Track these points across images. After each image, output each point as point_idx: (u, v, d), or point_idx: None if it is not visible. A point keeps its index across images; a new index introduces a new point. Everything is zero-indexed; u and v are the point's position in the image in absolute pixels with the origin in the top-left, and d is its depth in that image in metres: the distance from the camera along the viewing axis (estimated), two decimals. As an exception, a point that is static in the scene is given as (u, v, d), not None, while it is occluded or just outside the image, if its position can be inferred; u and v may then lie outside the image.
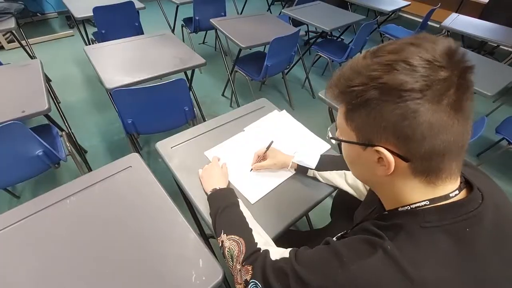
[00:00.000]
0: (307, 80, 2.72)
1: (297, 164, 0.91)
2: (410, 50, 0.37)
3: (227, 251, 0.64)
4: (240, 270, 0.59)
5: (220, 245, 0.68)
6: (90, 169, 1.70)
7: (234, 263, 0.61)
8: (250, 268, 0.57)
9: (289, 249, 0.54)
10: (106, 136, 2.05)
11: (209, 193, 0.82)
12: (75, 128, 2.02)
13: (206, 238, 1.16)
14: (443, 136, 0.37)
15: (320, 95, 1.42)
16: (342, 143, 0.48)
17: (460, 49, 0.37)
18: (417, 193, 0.42)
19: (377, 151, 0.40)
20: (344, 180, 0.86)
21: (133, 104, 1.33)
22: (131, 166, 0.93)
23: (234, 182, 0.91)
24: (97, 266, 0.69)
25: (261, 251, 0.59)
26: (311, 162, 0.87)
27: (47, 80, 2.44)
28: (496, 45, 3.15)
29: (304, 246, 0.53)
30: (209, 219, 0.80)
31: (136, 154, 0.98)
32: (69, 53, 2.99)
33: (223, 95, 2.59)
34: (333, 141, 0.51)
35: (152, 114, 1.41)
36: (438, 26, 2.99)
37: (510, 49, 3.38)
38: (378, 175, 0.43)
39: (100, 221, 0.78)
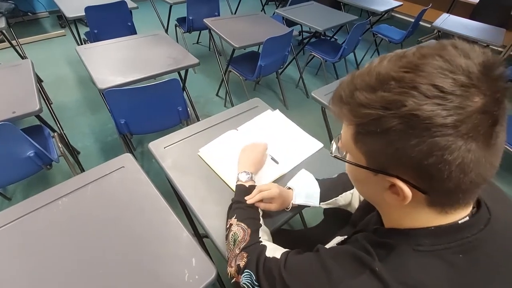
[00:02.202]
0: (301, 79, 2.73)
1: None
2: (439, 66, 0.31)
3: (232, 235, 0.67)
4: (237, 255, 0.61)
5: (228, 226, 0.71)
6: (83, 170, 1.69)
7: (234, 247, 0.64)
8: (245, 255, 0.59)
9: (283, 250, 0.54)
10: (99, 137, 2.04)
11: (238, 174, 0.83)
12: (67, 129, 2.00)
13: (200, 237, 1.16)
14: (473, 174, 0.32)
15: (313, 94, 1.43)
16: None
17: (497, 65, 0.31)
18: (425, 220, 0.39)
19: (390, 181, 0.36)
20: (347, 201, 0.82)
21: (126, 104, 1.33)
22: (123, 167, 0.93)
23: (226, 179, 0.91)
24: (90, 267, 0.68)
25: (261, 244, 0.61)
26: (313, 200, 0.80)
27: (39, 80, 2.41)
28: (485, 45, 3.21)
29: (297, 249, 0.53)
30: (203, 219, 0.80)
31: (129, 155, 0.97)
32: (61, 53, 2.96)
33: (217, 95, 2.59)
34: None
35: (145, 114, 1.41)
36: (429, 26, 3.03)
37: (499, 49, 3.44)
38: (387, 201, 0.39)
39: (92, 222, 0.77)
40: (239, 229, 0.67)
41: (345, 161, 0.43)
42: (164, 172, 0.94)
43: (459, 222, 0.38)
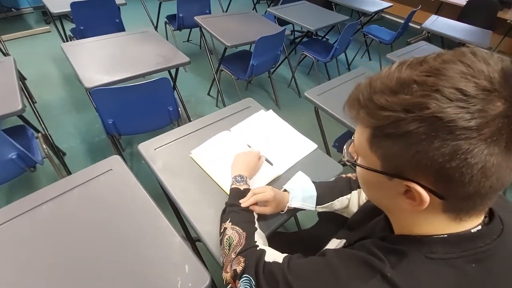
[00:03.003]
0: (293, 79, 2.73)
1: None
2: (461, 71, 0.31)
3: (227, 239, 0.65)
4: (233, 260, 0.59)
5: (222, 230, 0.69)
6: (69, 172, 1.63)
7: (230, 252, 0.62)
8: (242, 260, 0.57)
9: (283, 255, 0.53)
10: (86, 137, 1.97)
11: (232, 178, 0.81)
12: (52, 129, 1.93)
13: (192, 241, 1.13)
14: (493, 179, 0.32)
15: (306, 95, 1.42)
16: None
17: None
18: (438, 227, 0.38)
19: (407, 185, 0.35)
20: (343, 205, 0.80)
21: (114, 104, 1.28)
22: (111, 169, 0.89)
23: (219, 181, 0.89)
24: (77, 275, 0.65)
25: (258, 248, 0.59)
26: (309, 203, 0.79)
27: (22, 78, 2.32)
28: (474, 46, 3.28)
29: (292, 251, 0.52)
30: (195, 223, 0.78)
31: (117, 156, 0.94)
32: (45, 50, 2.86)
33: (208, 94, 2.55)
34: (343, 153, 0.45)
35: (134, 114, 1.36)
36: (418, 27, 3.07)
37: (485, 51, 3.52)
38: (402, 207, 0.39)
39: (79, 227, 0.74)
40: (234, 233, 0.65)
41: (358, 166, 0.42)
42: (154, 174, 0.91)
43: (472, 231, 0.38)
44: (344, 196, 0.80)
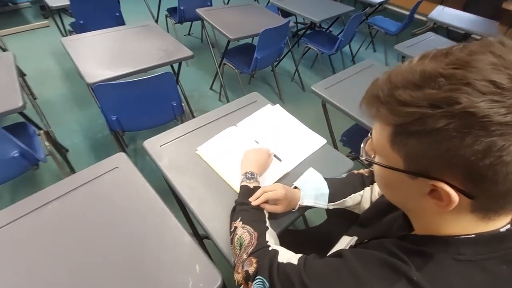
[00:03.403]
0: (296, 72, 2.68)
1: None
2: (492, 62, 0.29)
3: (238, 238, 0.63)
4: (244, 260, 0.58)
5: (232, 229, 0.67)
6: (72, 170, 1.61)
7: (241, 252, 0.60)
8: (254, 261, 0.56)
9: (298, 256, 0.51)
10: (88, 134, 1.95)
11: (242, 175, 0.79)
12: (54, 126, 1.91)
13: (200, 239, 1.12)
14: None
15: (313, 88, 1.39)
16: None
17: None
18: (465, 226, 0.36)
19: (434, 185, 0.33)
20: (356, 202, 0.78)
21: (118, 99, 1.25)
22: (117, 167, 0.87)
23: (227, 178, 0.86)
24: (84, 277, 0.63)
25: (271, 249, 0.58)
26: (322, 201, 0.76)
27: (22, 74, 2.28)
28: (480, 37, 3.22)
29: (313, 254, 0.50)
30: (204, 221, 0.76)
31: (123, 154, 0.91)
32: (44, 45, 2.81)
33: (211, 88, 2.52)
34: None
35: (138, 110, 1.34)
36: (423, 18, 3.01)
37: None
38: (425, 207, 0.36)
39: (85, 227, 0.72)
40: (244, 232, 0.64)
41: (378, 165, 0.40)
42: (161, 172, 0.88)
43: (501, 230, 0.36)
44: (357, 193, 0.78)
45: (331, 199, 0.77)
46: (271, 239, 0.64)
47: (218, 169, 0.89)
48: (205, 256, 0.69)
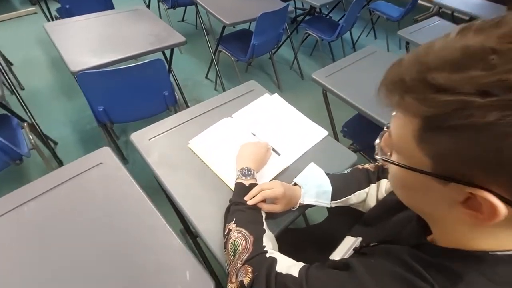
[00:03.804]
0: (295, 60, 2.58)
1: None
2: None
3: (232, 243, 0.57)
4: (239, 269, 0.52)
5: (226, 232, 0.61)
6: (61, 163, 1.54)
7: (235, 259, 0.55)
8: (250, 270, 0.50)
9: (299, 265, 0.45)
10: (77, 126, 1.87)
11: (238, 171, 0.72)
12: (42, 118, 1.81)
13: (193, 237, 1.06)
14: None
15: (314, 76, 1.30)
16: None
17: None
18: (503, 241, 0.30)
19: (472, 193, 0.27)
20: (360, 199, 0.71)
21: (104, 89, 1.17)
22: (102, 163, 0.80)
23: (222, 174, 0.80)
24: (64, 282, 0.57)
25: (268, 256, 0.52)
26: (324, 199, 0.69)
27: (9, 63, 2.18)
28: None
29: (316, 264, 0.44)
30: (196, 223, 0.70)
31: (107, 148, 0.84)
32: (32, 33, 2.68)
33: (206, 77, 2.42)
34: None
35: (126, 100, 1.25)
36: (427, 4, 2.89)
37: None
38: (455, 216, 0.31)
39: (65, 230, 0.66)
40: (239, 236, 0.58)
41: (397, 165, 0.33)
42: (150, 168, 0.81)
43: None
44: (362, 190, 0.71)
45: (334, 197, 0.70)
46: (269, 243, 0.59)
47: (211, 165, 0.82)
48: (196, 262, 0.63)
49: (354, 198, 0.71)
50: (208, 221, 0.70)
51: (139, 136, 0.88)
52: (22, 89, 2.08)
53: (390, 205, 0.56)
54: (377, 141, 0.37)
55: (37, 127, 1.42)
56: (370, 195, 0.72)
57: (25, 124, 1.31)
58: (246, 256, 0.54)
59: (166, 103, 1.37)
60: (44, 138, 1.45)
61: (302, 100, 2.32)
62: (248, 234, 0.58)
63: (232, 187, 0.77)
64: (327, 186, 0.70)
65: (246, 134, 0.92)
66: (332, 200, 0.70)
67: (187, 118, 0.96)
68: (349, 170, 0.76)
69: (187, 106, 1.69)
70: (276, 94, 1.09)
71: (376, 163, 0.76)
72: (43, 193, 0.71)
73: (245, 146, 0.81)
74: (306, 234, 0.89)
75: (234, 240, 0.57)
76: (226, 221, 0.64)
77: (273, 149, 0.88)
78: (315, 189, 0.71)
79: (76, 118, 1.91)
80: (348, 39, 3.11)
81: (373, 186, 0.71)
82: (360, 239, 0.57)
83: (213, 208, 0.73)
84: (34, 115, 1.46)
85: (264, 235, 0.60)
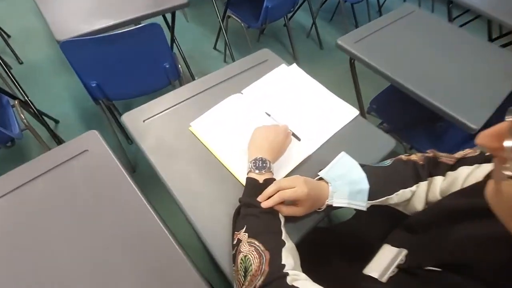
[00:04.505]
0: (313, 27, 2.31)
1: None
2: None
3: (242, 260, 0.46)
4: None
5: (235, 243, 0.49)
6: (61, 143, 1.44)
7: (246, 282, 0.44)
8: None
9: None
10: (79, 102, 1.75)
11: (250, 162, 0.58)
12: (41, 94, 1.72)
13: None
14: None
15: (339, 42, 1.09)
16: None
17: None
18: None
19: None
20: (403, 199, 0.55)
21: (94, 60, 1.01)
22: (87, 150, 0.67)
23: (229, 164, 0.66)
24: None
25: (289, 281, 0.40)
26: (359, 200, 0.55)
27: (6, 36, 2.05)
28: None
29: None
30: (199, 226, 0.58)
31: (95, 132, 0.71)
32: (28, 3, 2.50)
33: (215, 48, 2.21)
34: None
35: (122, 73, 1.09)
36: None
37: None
38: None
39: (43, 233, 0.55)
40: (251, 251, 0.45)
41: None
42: (145, 156, 0.68)
43: None
44: (408, 189, 0.55)
45: (371, 196, 0.55)
46: (289, 258, 0.46)
47: (217, 152, 0.68)
48: (196, 273, 0.51)
49: (396, 197, 0.56)
50: (213, 222, 0.58)
51: (131, 117, 0.74)
52: (21, 63, 1.96)
53: (451, 213, 0.42)
54: (510, 143, 0.21)
55: (31, 105, 1.30)
56: (417, 195, 0.56)
57: (16, 102, 1.19)
58: (261, 280, 0.42)
59: (168, 77, 1.21)
60: (40, 117, 1.34)
61: (321, 72, 2.06)
62: (262, 248, 0.45)
63: (242, 181, 0.63)
64: (364, 184, 0.55)
65: (259, 114, 0.76)
66: (368, 200, 0.55)
67: (189, 95, 0.80)
68: (389, 161, 0.60)
69: (194, 80, 1.52)
70: (294, 65, 0.91)
71: (426, 154, 0.59)
72: (14, 188, 0.60)
73: (259, 131, 0.65)
74: (330, 235, 0.75)
75: (245, 256, 0.45)
76: (235, 227, 0.51)
77: (293, 134, 0.72)
78: (347, 187, 0.55)
79: (77, 93, 1.79)
80: (373, 3, 2.75)
81: (423, 184, 0.55)
82: (404, 251, 0.44)
83: (220, 206, 0.60)
84: (33, 91, 1.34)
85: (283, 249, 0.47)
